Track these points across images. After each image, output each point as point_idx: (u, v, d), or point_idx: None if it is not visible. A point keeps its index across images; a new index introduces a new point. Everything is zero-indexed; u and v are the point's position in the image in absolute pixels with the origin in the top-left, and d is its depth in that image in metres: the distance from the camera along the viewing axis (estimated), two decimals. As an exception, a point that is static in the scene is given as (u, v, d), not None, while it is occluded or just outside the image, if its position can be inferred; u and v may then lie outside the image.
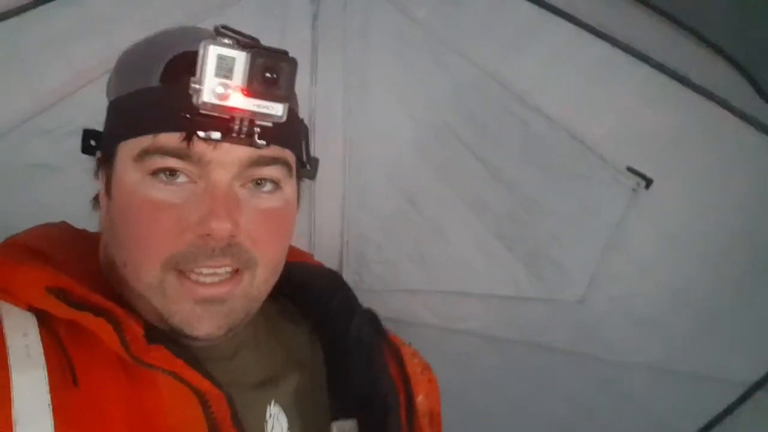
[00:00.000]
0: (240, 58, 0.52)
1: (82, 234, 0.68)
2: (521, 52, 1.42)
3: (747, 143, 1.40)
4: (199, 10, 1.27)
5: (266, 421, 0.63)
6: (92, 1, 1.24)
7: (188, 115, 0.52)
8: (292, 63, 0.54)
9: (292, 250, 0.82)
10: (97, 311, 0.53)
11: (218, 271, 0.57)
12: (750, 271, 1.46)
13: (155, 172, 0.55)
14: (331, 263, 1.48)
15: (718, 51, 1.34)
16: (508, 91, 1.43)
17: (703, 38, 1.33)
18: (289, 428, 0.65)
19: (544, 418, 1.60)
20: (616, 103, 1.42)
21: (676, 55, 1.37)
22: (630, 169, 1.42)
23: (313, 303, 0.75)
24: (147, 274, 0.56)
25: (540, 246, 1.50)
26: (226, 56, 0.51)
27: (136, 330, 0.53)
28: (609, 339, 1.54)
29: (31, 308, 0.54)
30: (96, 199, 0.64)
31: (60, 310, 0.52)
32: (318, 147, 1.37)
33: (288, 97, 0.54)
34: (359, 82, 1.44)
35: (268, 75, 0.52)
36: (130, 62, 0.60)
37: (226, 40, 0.52)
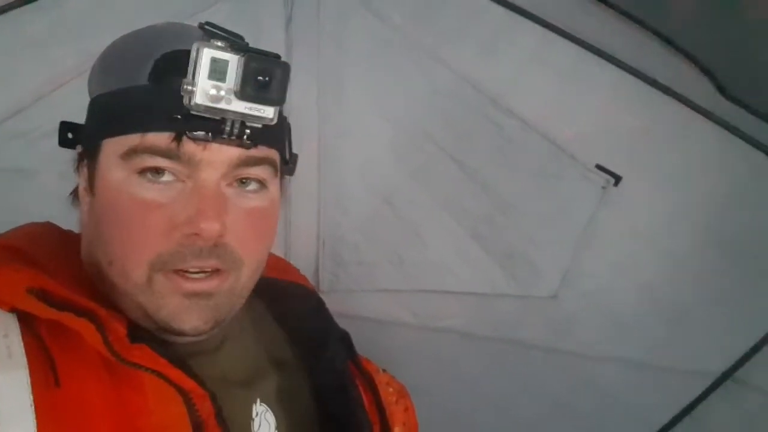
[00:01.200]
0: (233, 61, 0.52)
1: (67, 234, 0.67)
2: (495, 55, 1.44)
3: (712, 141, 1.44)
4: (173, 13, 1.27)
5: (253, 420, 0.64)
6: (68, 4, 1.23)
7: (179, 116, 0.52)
8: (285, 67, 0.54)
9: (279, 263, 0.83)
10: (80, 311, 0.53)
11: (205, 268, 0.57)
12: (718, 265, 1.50)
13: (142, 171, 0.55)
14: (307, 264, 1.50)
15: (683, 52, 1.38)
16: (482, 93, 1.45)
17: (668, 40, 1.37)
18: (276, 427, 0.65)
19: (520, 412, 1.62)
20: (586, 104, 1.45)
21: (643, 57, 1.41)
22: (599, 167, 1.46)
23: (292, 324, 0.75)
24: (134, 272, 0.56)
25: (514, 245, 1.53)
26: (220, 59, 0.52)
27: (119, 329, 0.53)
28: (582, 334, 1.57)
29: (12, 309, 0.53)
30: (75, 195, 0.64)
31: (41, 310, 0.52)
32: (293, 148, 1.37)
33: (280, 100, 0.55)
34: (334, 85, 1.45)
35: (260, 78, 0.53)
36: (115, 58, 0.59)
37: (219, 43, 0.52)
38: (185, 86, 0.51)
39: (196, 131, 0.53)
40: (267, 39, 1.36)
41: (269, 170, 0.59)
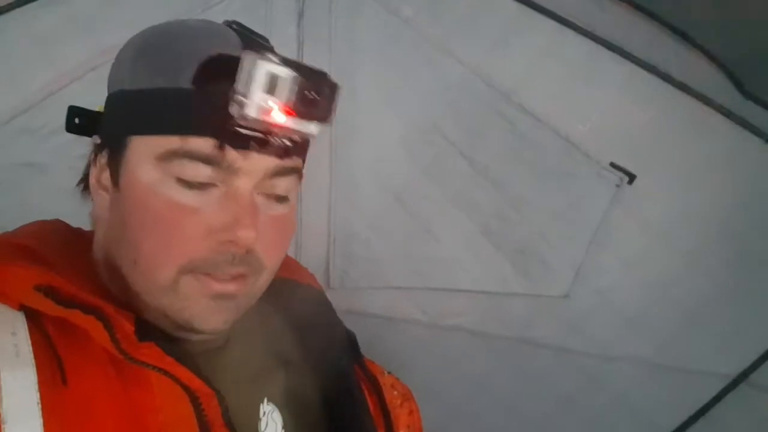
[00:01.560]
0: (286, 77, 0.52)
1: (77, 232, 0.67)
2: (507, 50, 1.43)
3: (728, 139, 1.42)
4: (185, 9, 1.27)
5: (260, 419, 0.63)
6: (77, 1, 1.23)
7: (228, 126, 0.52)
8: (334, 86, 0.55)
9: (288, 262, 0.83)
10: (87, 309, 0.52)
11: (234, 274, 0.57)
12: (732, 264, 1.49)
13: (179, 177, 0.54)
14: (318, 260, 1.50)
15: (700, 48, 1.36)
16: (494, 89, 1.44)
17: (684, 36, 1.35)
18: (284, 427, 0.65)
19: (530, 412, 1.61)
20: (599, 100, 1.44)
21: (658, 53, 1.39)
22: (613, 165, 1.44)
23: (299, 325, 0.75)
24: (161, 274, 0.56)
25: (526, 242, 1.52)
26: (274, 74, 0.52)
27: (127, 327, 0.53)
28: (594, 334, 1.55)
29: (20, 307, 0.53)
30: (84, 184, 0.63)
31: (49, 308, 0.52)
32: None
33: (327, 118, 0.55)
34: (345, 80, 1.43)
35: (309, 95, 0.53)
36: (151, 54, 0.57)
37: (273, 57, 0.52)
38: (237, 97, 0.51)
39: (243, 141, 0.53)
40: (278, 34, 1.35)
41: (296, 179, 0.60)
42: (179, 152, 0.53)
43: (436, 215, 1.52)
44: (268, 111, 0.52)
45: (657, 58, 1.38)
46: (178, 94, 0.54)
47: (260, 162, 0.55)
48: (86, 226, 0.67)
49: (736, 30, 1.34)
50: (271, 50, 0.53)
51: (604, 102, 1.44)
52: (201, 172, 0.54)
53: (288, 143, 0.55)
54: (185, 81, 0.54)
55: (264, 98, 0.51)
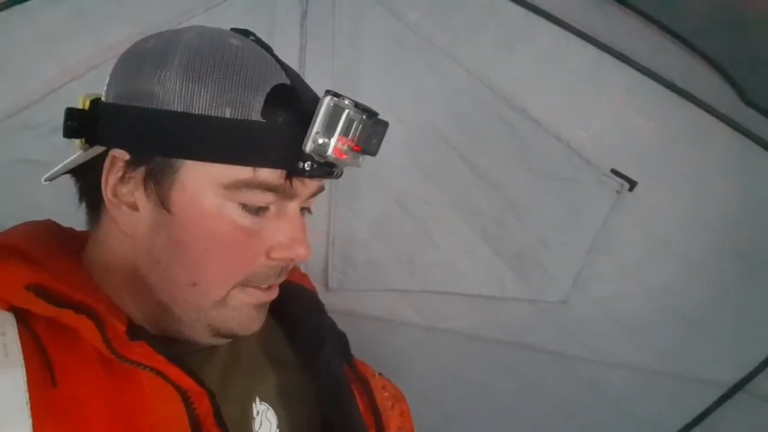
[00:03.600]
0: (359, 121, 0.58)
1: (68, 232, 0.67)
2: (510, 55, 1.43)
3: (730, 147, 1.42)
4: (188, 7, 1.27)
5: (254, 419, 0.64)
6: (79, -2, 1.23)
7: (302, 160, 0.57)
8: (386, 125, 0.62)
9: None
10: (78, 308, 0.52)
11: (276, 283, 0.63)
12: (733, 273, 1.48)
13: (245, 205, 0.58)
14: (317, 262, 1.50)
15: (703, 56, 1.36)
16: (496, 94, 1.43)
17: (688, 43, 1.35)
18: (278, 426, 0.65)
19: (527, 418, 1.60)
20: (601, 106, 1.43)
21: (661, 60, 1.39)
22: (614, 172, 1.44)
23: (290, 325, 0.76)
24: (218, 292, 0.59)
25: (525, 247, 1.51)
26: (351, 119, 0.57)
27: (118, 327, 0.53)
28: (593, 340, 1.55)
29: (10, 307, 0.53)
30: (87, 193, 0.62)
31: (40, 307, 0.52)
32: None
33: (377, 152, 0.62)
34: (348, 83, 1.44)
35: (372, 135, 0.60)
36: (206, 77, 0.56)
37: (347, 101, 0.57)
38: (318, 138, 0.56)
39: (314, 173, 0.58)
40: (281, 35, 1.35)
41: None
42: (252, 183, 0.56)
43: (436, 219, 1.52)
44: (345, 152, 0.57)
45: (660, 65, 1.38)
46: (249, 126, 0.56)
47: (312, 186, 0.62)
48: (77, 226, 0.66)
49: (740, 39, 1.33)
50: (359, 104, 0.59)
51: (607, 108, 1.43)
52: (266, 200, 0.58)
53: (341, 171, 0.62)
54: (255, 113, 0.56)
55: (341, 140, 0.57)
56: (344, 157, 0.58)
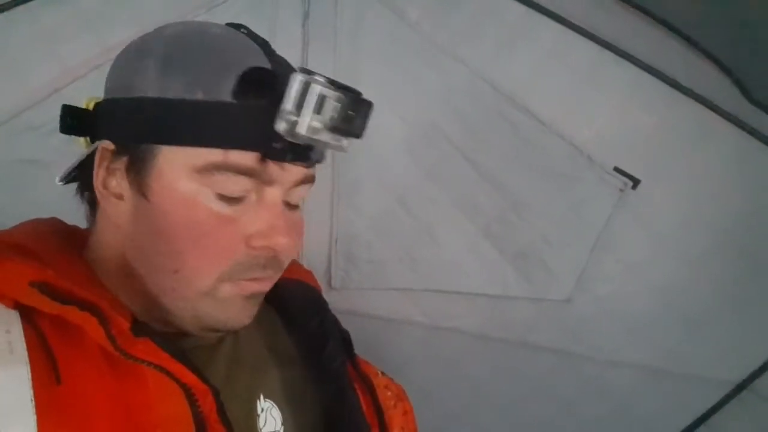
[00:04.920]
0: (333, 98, 0.55)
1: (72, 230, 0.68)
2: (512, 53, 1.42)
3: (734, 145, 1.41)
4: (191, 7, 1.27)
5: (258, 416, 0.64)
6: (81, -1, 1.23)
7: (274, 141, 0.55)
8: (370, 105, 0.59)
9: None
10: (83, 305, 0.52)
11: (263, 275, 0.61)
12: (736, 272, 1.48)
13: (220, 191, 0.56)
14: (319, 261, 1.50)
15: (707, 54, 1.35)
16: (498, 92, 1.43)
17: (691, 41, 1.34)
18: (283, 423, 0.65)
19: (530, 416, 1.60)
20: (604, 104, 1.43)
21: (664, 58, 1.38)
22: (617, 170, 1.44)
23: (293, 322, 0.76)
24: (201, 281, 0.58)
25: (528, 246, 1.51)
26: (323, 95, 0.55)
27: (122, 323, 0.53)
28: (596, 339, 1.54)
29: (15, 305, 0.53)
30: (86, 189, 0.63)
31: (44, 304, 0.52)
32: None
33: (361, 134, 0.59)
34: (350, 82, 1.43)
35: (349, 113, 0.57)
36: (182, 65, 0.56)
37: (319, 78, 0.55)
38: (288, 116, 0.54)
39: (287, 155, 0.56)
40: (283, 34, 1.35)
41: (311, 186, 0.63)
42: (222, 165, 0.55)
43: (439, 218, 1.52)
44: (317, 130, 0.55)
45: (663, 63, 1.38)
46: (220, 108, 0.55)
47: (293, 172, 0.59)
48: (82, 223, 0.67)
49: (744, 36, 1.33)
50: (334, 81, 0.56)
51: (610, 106, 1.43)
52: (241, 184, 0.56)
53: (321, 155, 0.60)
54: (226, 94, 0.55)
55: (314, 118, 0.54)
56: (320, 137, 0.56)
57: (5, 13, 1.18)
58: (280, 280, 0.75)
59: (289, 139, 0.55)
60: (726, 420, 1.55)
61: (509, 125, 1.44)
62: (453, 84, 1.44)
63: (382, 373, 0.81)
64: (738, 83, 1.36)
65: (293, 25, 1.39)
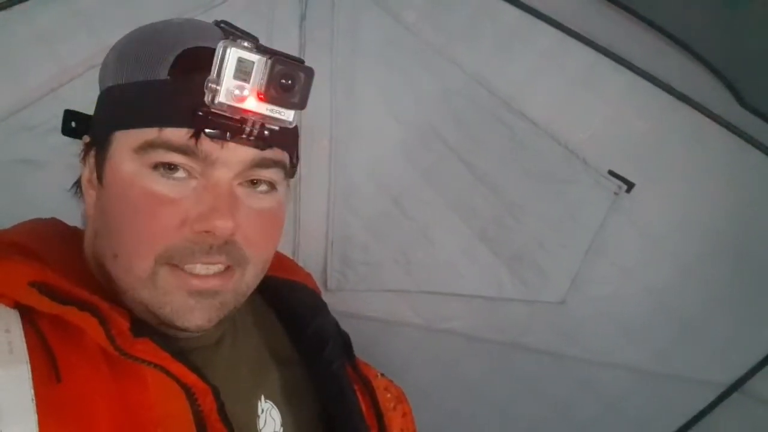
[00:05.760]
0: (259, 63, 0.52)
1: (72, 230, 0.67)
2: (508, 57, 1.43)
3: (726, 149, 1.43)
4: (187, 8, 1.27)
5: (258, 416, 0.64)
6: (78, -2, 1.23)
7: (200, 113, 0.52)
8: (309, 72, 0.54)
9: (283, 262, 0.83)
10: (82, 305, 0.52)
11: (211, 266, 0.57)
12: (729, 274, 1.49)
13: (156, 166, 0.54)
14: (315, 263, 1.50)
15: (700, 59, 1.36)
16: (494, 95, 1.44)
17: (685, 46, 1.35)
18: (282, 424, 0.65)
19: (525, 417, 1.61)
20: (599, 108, 1.44)
21: (658, 63, 1.39)
22: (612, 173, 1.44)
23: (293, 324, 0.76)
24: (139, 266, 0.56)
25: (523, 248, 1.52)
26: (246, 59, 0.51)
27: (122, 323, 0.53)
28: (590, 341, 1.55)
29: (15, 304, 0.53)
30: (78, 185, 0.63)
31: (44, 304, 0.52)
32: (304, 147, 1.37)
33: (302, 104, 0.54)
34: (346, 84, 1.44)
35: (284, 81, 0.53)
36: (133, 51, 0.57)
37: (245, 43, 0.52)
38: (209, 84, 0.51)
39: (216, 130, 0.53)
40: (280, 36, 1.36)
41: (280, 173, 0.60)
42: (155, 143, 0.54)
43: (434, 220, 1.52)
44: (241, 98, 0.52)
45: (657, 67, 1.39)
46: (156, 86, 0.54)
47: (238, 152, 0.55)
48: (80, 224, 0.67)
49: (737, 41, 1.34)
50: (250, 39, 0.53)
51: (604, 110, 1.44)
52: (177, 162, 0.54)
53: (264, 132, 0.55)
54: (163, 73, 0.54)
55: (235, 84, 0.51)
56: (248, 108, 0.52)
57: (2, 13, 1.18)
58: (280, 281, 0.75)
59: (215, 111, 0.52)
60: (718, 421, 1.56)
61: (505, 128, 1.45)
62: (449, 87, 1.44)
63: (382, 374, 0.81)
64: (731, 88, 1.37)
65: (290, 27, 1.39)
